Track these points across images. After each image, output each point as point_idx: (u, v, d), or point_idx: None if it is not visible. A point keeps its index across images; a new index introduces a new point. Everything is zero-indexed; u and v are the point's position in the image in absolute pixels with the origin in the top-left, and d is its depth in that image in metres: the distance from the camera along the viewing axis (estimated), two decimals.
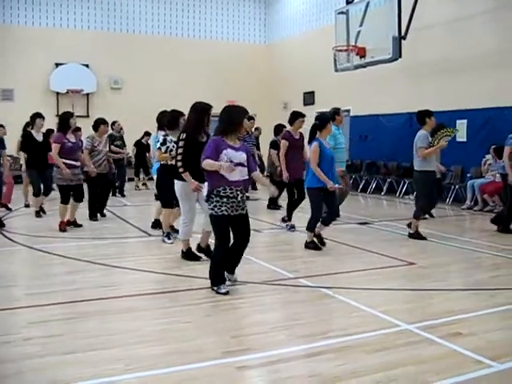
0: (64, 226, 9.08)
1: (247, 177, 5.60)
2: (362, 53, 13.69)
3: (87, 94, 18.95)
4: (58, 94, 18.57)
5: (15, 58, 17.72)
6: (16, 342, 4.20)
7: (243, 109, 5.86)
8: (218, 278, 5.55)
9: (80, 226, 9.42)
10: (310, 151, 7.48)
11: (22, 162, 11.15)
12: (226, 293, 5.42)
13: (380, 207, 12.87)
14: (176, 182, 6.76)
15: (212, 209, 5.41)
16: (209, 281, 5.61)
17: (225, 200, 5.37)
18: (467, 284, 5.99)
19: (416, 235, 8.56)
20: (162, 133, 8.07)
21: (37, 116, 10.23)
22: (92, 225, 9.75)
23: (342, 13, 14.55)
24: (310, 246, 7.75)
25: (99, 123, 10.17)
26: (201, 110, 6.80)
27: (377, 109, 15.52)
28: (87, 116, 18.15)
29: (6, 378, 3.59)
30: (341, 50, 14.27)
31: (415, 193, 8.97)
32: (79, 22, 19.04)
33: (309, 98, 18.96)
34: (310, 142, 7.58)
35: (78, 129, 12.25)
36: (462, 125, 12.69)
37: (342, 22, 14.47)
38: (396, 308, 5.09)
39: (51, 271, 6.54)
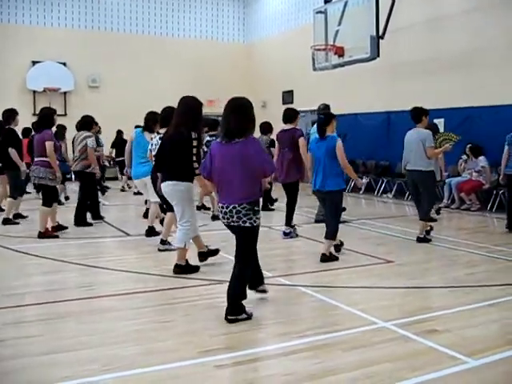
0: (53, 231, 8.60)
1: None
2: (340, 52, 13.76)
3: (64, 93, 18.78)
4: (34, 92, 18.38)
5: None
6: None
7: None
8: (243, 298, 4.81)
9: (66, 227, 9.01)
10: (337, 148, 6.85)
11: None
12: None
13: (358, 206, 12.94)
14: (180, 183, 6.11)
15: (254, 219, 4.71)
16: (187, 280, 5.59)
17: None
18: (444, 281, 6.04)
19: (425, 239, 8.16)
20: (153, 134, 7.72)
21: (15, 112, 9.65)
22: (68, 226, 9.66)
23: (320, 12, 14.60)
24: (333, 257, 7.01)
25: (92, 121, 10.04)
26: (200, 105, 6.20)
27: (355, 108, 15.60)
28: (65, 115, 17.97)
29: None
30: (319, 50, 14.32)
31: (416, 195, 8.28)
32: (56, 19, 18.86)
33: (287, 96, 19.02)
34: (322, 138, 7.01)
35: (64, 127, 12.13)
36: (439, 124, 12.80)
37: (320, 21, 14.51)
38: (373, 306, 5.12)
39: (28, 271, 6.48)
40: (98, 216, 9.97)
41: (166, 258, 7.02)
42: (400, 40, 13.78)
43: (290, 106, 17.93)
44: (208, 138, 10.06)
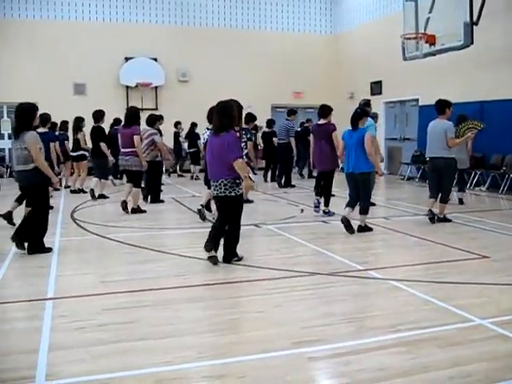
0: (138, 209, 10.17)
1: None
2: (431, 40, 13.34)
3: (156, 87, 19.34)
4: (127, 87, 19.04)
5: (87, 52, 18.26)
6: (89, 327, 4.37)
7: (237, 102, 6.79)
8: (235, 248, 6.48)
9: (145, 211, 10.15)
10: (366, 139, 7.99)
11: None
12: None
13: (450, 199, 12.50)
14: None
15: (238, 191, 6.19)
16: (277, 272, 5.64)
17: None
18: None
19: (445, 218, 9.01)
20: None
21: (104, 113, 12.07)
22: (157, 214, 10.13)
23: (410, 0, 14.22)
24: (367, 228, 8.25)
25: (156, 119, 11.20)
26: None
27: (447, 98, 15.07)
28: (156, 109, 18.54)
29: (78, 362, 3.73)
30: (409, 38, 13.94)
31: (436, 180, 9.07)
32: (148, 16, 19.43)
33: (376, 87, 18.67)
34: (354, 129, 8.16)
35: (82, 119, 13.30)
36: None
37: (410, 9, 14.14)
38: (469, 302, 4.97)
39: (125, 260, 6.77)
40: (157, 200, 11.34)
41: (256, 249, 7.14)
42: (495, 25, 13.18)
43: (378, 96, 17.72)
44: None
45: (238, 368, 3.67)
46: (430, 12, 13.52)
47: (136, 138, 9.78)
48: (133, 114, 10.04)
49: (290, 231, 8.30)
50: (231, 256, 6.42)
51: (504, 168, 13.08)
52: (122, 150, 10.05)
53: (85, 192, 12.52)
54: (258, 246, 7.55)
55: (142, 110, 16.61)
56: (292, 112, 14.43)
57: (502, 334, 4.18)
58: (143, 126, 10.80)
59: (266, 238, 8.00)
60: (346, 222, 8.12)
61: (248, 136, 10.53)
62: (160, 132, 13.29)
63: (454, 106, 14.80)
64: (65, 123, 13.82)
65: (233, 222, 6.36)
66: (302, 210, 10.02)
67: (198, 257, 6.66)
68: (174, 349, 3.95)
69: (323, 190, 9.80)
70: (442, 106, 9.02)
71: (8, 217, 8.55)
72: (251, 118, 11.43)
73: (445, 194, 9.02)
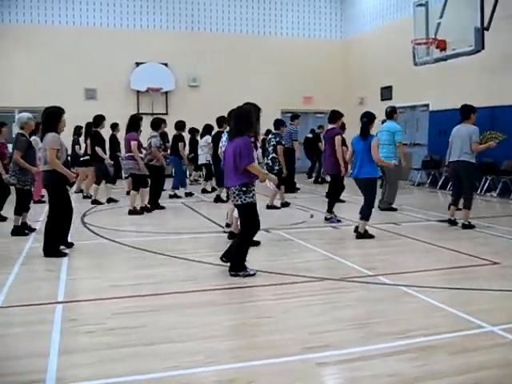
0: (141, 210, 10.65)
1: None
2: (442, 45, 13.33)
3: (166, 92, 19.40)
4: (138, 92, 19.11)
5: (98, 58, 18.35)
6: (99, 331, 4.38)
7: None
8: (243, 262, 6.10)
9: (151, 210, 10.85)
10: (372, 145, 8.11)
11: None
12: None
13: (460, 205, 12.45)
14: None
15: (245, 199, 5.97)
16: (287, 277, 5.62)
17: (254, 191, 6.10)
18: None
19: (469, 225, 8.88)
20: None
21: (104, 118, 12.18)
22: (166, 219, 10.19)
23: (420, 5, 14.20)
24: (367, 235, 8.17)
25: (160, 123, 11.46)
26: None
27: (457, 103, 14.98)
28: (166, 114, 18.59)
29: (88, 366, 3.74)
30: (420, 44, 13.94)
31: (458, 184, 9.14)
32: (158, 21, 19.50)
33: (386, 92, 18.62)
34: (364, 137, 8.23)
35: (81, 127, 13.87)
36: None
37: (421, 14, 14.12)
38: (479, 308, 4.93)
39: (133, 264, 6.76)
40: (154, 204, 11.21)
41: (265, 254, 7.14)
42: (506, 30, 13.10)
43: (388, 102, 17.65)
44: (270, 136, 11.39)
45: (246, 373, 3.66)
46: (440, 17, 13.50)
47: (133, 144, 10.35)
48: (131, 121, 10.71)
49: (300, 236, 8.29)
50: (235, 267, 6.04)
51: None
52: (125, 154, 10.84)
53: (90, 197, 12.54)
54: (268, 250, 7.53)
55: (153, 114, 16.74)
56: (295, 117, 14.50)
57: None
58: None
59: (275, 242, 7.98)
60: (357, 230, 8.29)
61: (277, 140, 10.94)
62: (166, 136, 13.69)
63: None
64: (78, 128, 13.96)
65: (240, 231, 6.30)
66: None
67: (207, 262, 6.66)
68: (182, 353, 3.94)
69: (327, 194, 9.99)
70: (466, 111, 9.01)
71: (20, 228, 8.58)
72: (281, 123, 11.61)
73: (466, 199, 8.93)
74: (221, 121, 11.46)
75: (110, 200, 12.17)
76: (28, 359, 3.86)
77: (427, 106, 16.55)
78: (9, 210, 9.06)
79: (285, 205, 11.57)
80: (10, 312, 4.94)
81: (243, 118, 6.12)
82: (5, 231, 8.48)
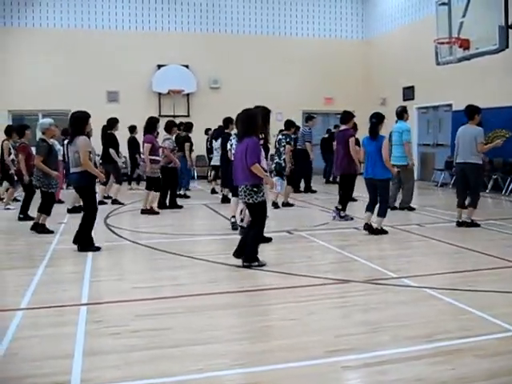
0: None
1: None
2: (465, 45, 13.19)
3: (187, 94, 19.46)
4: (160, 94, 19.20)
5: (120, 60, 18.50)
6: (123, 333, 4.38)
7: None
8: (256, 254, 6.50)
9: (158, 213, 10.81)
10: (383, 146, 8.26)
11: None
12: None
13: (485, 206, 12.29)
14: None
15: (256, 198, 6.30)
16: (310, 279, 5.59)
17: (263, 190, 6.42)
18: None
19: (473, 223, 9.00)
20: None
21: (118, 121, 12.34)
22: (188, 220, 10.30)
23: (443, 4, 14.07)
24: (383, 231, 8.44)
25: (173, 125, 11.65)
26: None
27: (480, 103, 14.76)
28: (188, 115, 18.67)
29: (112, 368, 3.74)
30: (443, 43, 13.81)
31: (463, 185, 9.20)
32: (179, 24, 19.60)
33: (408, 93, 18.49)
34: (373, 137, 8.42)
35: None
36: None
37: (443, 13, 14.01)
38: (506, 311, 4.83)
39: (157, 266, 6.79)
40: (163, 205, 11.42)
41: (288, 256, 7.12)
42: None
43: (410, 102, 17.51)
44: (280, 137, 11.37)
45: (270, 376, 3.63)
46: (463, 16, 13.38)
47: (146, 146, 10.60)
48: (148, 123, 10.81)
49: (323, 238, 8.25)
50: (250, 259, 6.43)
51: None
52: (142, 156, 11.28)
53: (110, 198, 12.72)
54: (291, 252, 7.51)
55: (174, 116, 16.83)
56: (309, 118, 14.37)
57: None
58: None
59: (298, 244, 7.96)
60: (367, 226, 8.48)
61: (287, 140, 11.10)
62: (190, 139, 13.87)
63: (489, 111, 14.71)
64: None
65: (252, 229, 6.54)
66: (334, 217, 9.95)
67: (229, 263, 6.65)
68: (206, 356, 3.93)
69: (340, 194, 10.10)
70: (471, 112, 9.04)
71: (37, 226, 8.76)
72: (291, 124, 11.68)
73: (473, 199, 9.06)
74: (227, 122, 11.33)
75: (114, 201, 12.36)
76: (53, 361, 3.87)
77: (450, 106, 16.38)
78: (35, 210, 9.18)
79: (286, 205, 11.60)
80: (36, 313, 4.97)
81: (249, 122, 6.38)
82: (30, 231, 8.62)
